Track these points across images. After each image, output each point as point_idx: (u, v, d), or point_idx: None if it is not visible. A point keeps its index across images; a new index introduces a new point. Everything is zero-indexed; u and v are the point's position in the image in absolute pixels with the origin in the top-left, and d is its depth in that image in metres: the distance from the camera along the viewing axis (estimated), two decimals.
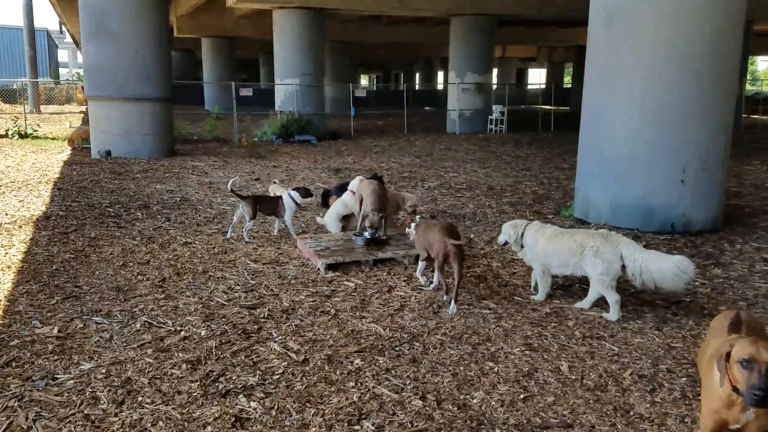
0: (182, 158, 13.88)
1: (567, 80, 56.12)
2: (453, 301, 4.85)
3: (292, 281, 5.65)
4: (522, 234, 5.19)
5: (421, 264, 5.51)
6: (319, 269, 5.95)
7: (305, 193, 7.23)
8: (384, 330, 4.48)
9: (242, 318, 4.72)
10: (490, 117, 21.53)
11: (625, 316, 4.76)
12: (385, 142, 18.35)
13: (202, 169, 12.40)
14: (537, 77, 66.84)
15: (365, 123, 25.15)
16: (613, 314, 4.66)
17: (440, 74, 55.29)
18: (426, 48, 43.15)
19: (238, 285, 5.50)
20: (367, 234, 6.31)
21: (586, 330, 4.47)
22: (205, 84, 33.47)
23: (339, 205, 7.38)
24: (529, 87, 54.70)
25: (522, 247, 5.22)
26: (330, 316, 4.77)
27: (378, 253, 6.18)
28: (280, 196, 7.14)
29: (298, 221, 8.02)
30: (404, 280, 5.68)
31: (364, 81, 73.54)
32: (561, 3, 20.55)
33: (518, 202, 9.49)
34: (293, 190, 7.19)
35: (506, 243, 5.36)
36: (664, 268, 4.35)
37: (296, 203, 7.05)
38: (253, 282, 5.60)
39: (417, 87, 52.69)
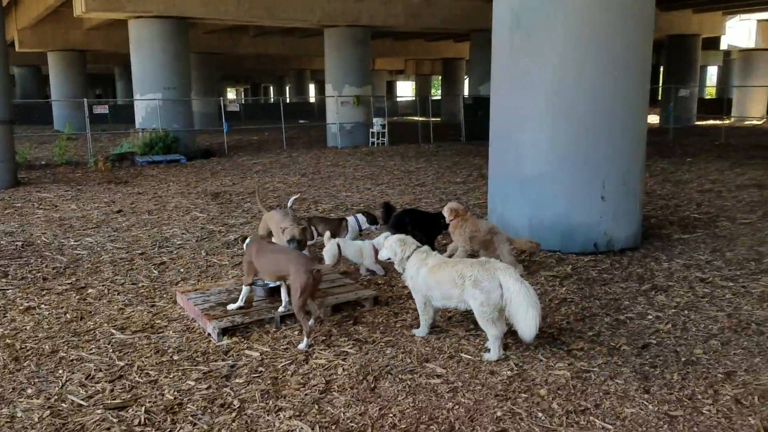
0: (26, 189, 11.74)
1: (433, 92, 57.59)
2: (306, 338, 4.43)
3: (175, 357, 4.34)
4: (408, 257, 4.60)
5: (245, 290, 4.89)
6: (209, 335, 4.67)
7: (371, 219, 6.92)
8: (312, 430, 3.34)
9: (108, 429, 3.37)
10: (371, 130, 20.83)
11: (596, 371, 3.98)
12: (265, 159, 16.98)
13: (50, 202, 10.42)
14: (405, 89, 67.96)
15: (239, 138, 23.50)
16: (493, 353, 4.19)
17: (312, 87, 54.34)
18: (297, 60, 42.08)
19: (100, 370, 4.10)
20: (269, 282, 5.11)
21: (564, 400, 3.62)
22: (54, 102, 29.98)
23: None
24: (399, 99, 55.29)
25: (404, 270, 4.66)
26: (233, 413, 3.54)
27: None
28: (344, 218, 6.89)
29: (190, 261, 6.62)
30: (322, 340, 4.56)
31: (231, 94, 70.81)
32: (429, 15, 20.62)
33: None
34: (360, 213, 6.95)
35: (389, 259, 4.75)
36: (519, 313, 4.02)
37: (360, 228, 6.77)
38: (121, 363, 4.22)
39: (289, 99, 51.34)
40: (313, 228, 6.78)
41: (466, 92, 31.77)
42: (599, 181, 6.70)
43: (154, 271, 6.45)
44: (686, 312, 5.03)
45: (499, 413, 3.47)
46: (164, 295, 5.69)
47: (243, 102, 48.84)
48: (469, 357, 4.23)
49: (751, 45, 31.57)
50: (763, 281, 5.78)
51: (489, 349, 4.25)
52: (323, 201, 10.43)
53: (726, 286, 5.68)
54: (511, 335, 4.35)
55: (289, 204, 7.06)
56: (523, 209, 6.95)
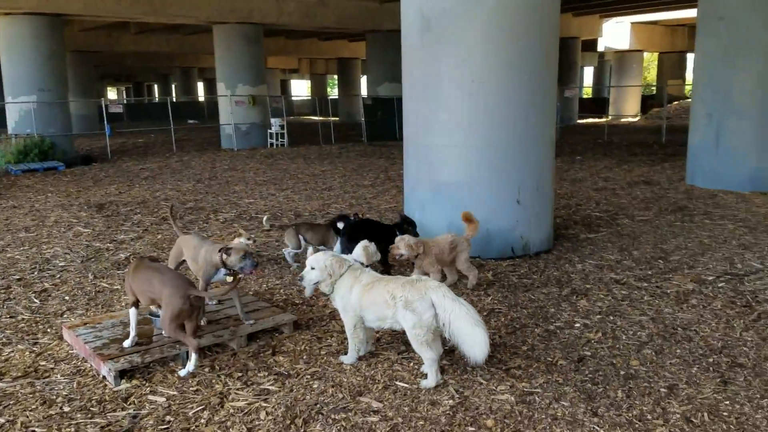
0: None
1: (329, 91, 57.14)
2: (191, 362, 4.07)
3: (66, 408, 3.69)
4: (342, 275, 4.22)
5: (132, 313, 4.31)
6: (104, 378, 4.04)
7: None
8: None
9: None
10: (269, 131, 20.09)
11: (539, 392, 3.78)
12: (153, 163, 15.85)
13: None
14: (300, 89, 67.01)
15: (123, 142, 21.91)
16: (430, 379, 3.89)
17: (200, 85, 52.11)
18: (183, 57, 40.07)
19: None
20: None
21: (512, 430, 3.37)
22: None
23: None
24: (295, 98, 54.38)
25: (332, 291, 4.26)
26: None
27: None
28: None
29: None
30: (238, 377, 4.07)
31: (112, 94, 66.55)
32: (323, 15, 20.28)
33: None
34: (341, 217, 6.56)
35: (317, 283, 4.29)
36: (463, 335, 3.74)
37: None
38: (1, 420, 3.52)
39: (176, 99, 48.96)
40: (300, 236, 6.51)
41: (364, 92, 31.59)
42: (515, 186, 6.62)
43: (35, 301, 5.62)
44: (611, 318, 4.99)
45: None
46: (48, 330, 4.94)
47: (126, 102, 45.97)
48: (406, 386, 3.90)
49: (626, 46, 33.75)
50: (675, 281, 5.91)
51: (425, 375, 3.95)
52: (223, 209, 9.75)
53: (641, 287, 5.74)
54: (446, 354, 4.08)
55: (264, 223, 7.07)
56: (441, 216, 6.74)
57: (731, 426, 3.31)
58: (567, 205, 9.75)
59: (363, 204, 10.08)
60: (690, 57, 42.41)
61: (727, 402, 3.54)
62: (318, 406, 3.66)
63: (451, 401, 3.69)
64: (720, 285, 5.76)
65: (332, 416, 3.53)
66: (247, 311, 4.87)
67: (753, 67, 10.16)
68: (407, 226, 6.27)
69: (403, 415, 3.54)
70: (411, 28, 6.80)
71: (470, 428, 3.39)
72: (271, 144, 19.98)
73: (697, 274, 6.09)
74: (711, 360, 4.13)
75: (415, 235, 6.03)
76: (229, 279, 4.61)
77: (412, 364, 4.20)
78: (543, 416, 3.49)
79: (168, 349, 4.27)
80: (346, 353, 4.34)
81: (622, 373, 3.99)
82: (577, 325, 4.86)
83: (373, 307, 4.11)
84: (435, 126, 6.66)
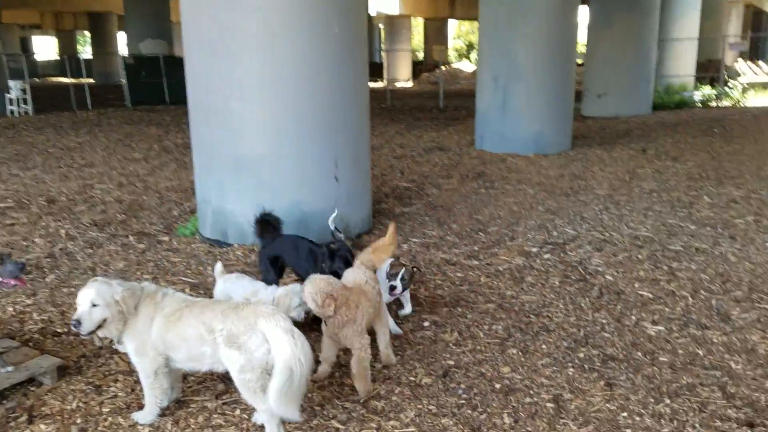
0: None
1: (80, 49, 50.48)
2: None
3: None
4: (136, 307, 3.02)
5: None
6: None
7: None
8: None
9: None
10: (8, 96, 16.46)
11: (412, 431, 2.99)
12: None
13: None
14: (44, 47, 58.01)
15: None
16: None
17: None
18: None
19: None
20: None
21: None
22: None
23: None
24: (38, 58, 46.83)
25: (120, 333, 3.02)
26: None
27: None
28: None
29: None
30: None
31: None
32: None
33: (104, 220, 6.62)
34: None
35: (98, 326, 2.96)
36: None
37: None
38: None
39: None
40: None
41: (123, 50, 27.96)
42: (331, 161, 5.71)
43: None
44: (459, 310, 4.40)
45: None
46: None
47: None
48: None
49: (396, 12, 34.58)
50: (502, 255, 5.58)
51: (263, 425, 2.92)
52: None
53: (473, 266, 5.30)
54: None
55: (330, 224, 4.69)
56: (245, 199, 5.59)
57: None
58: (374, 176, 9.15)
59: (137, 183, 8.38)
60: (452, 23, 45.24)
61: (625, 414, 3.11)
62: None
63: None
64: (546, 257, 5.55)
65: None
66: None
67: (535, 32, 10.45)
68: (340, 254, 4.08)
69: None
70: None
71: None
72: (12, 112, 16.44)
73: (520, 246, 5.84)
74: (582, 355, 3.72)
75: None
76: None
77: (238, 412, 3.13)
78: None
79: None
80: (141, 409, 3.11)
81: (497, 386, 3.36)
82: (426, 323, 4.18)
83: (183, 345, 2.95)
84: (233, 89, 5.42)
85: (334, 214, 4.31)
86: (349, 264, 3.81)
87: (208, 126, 5.71)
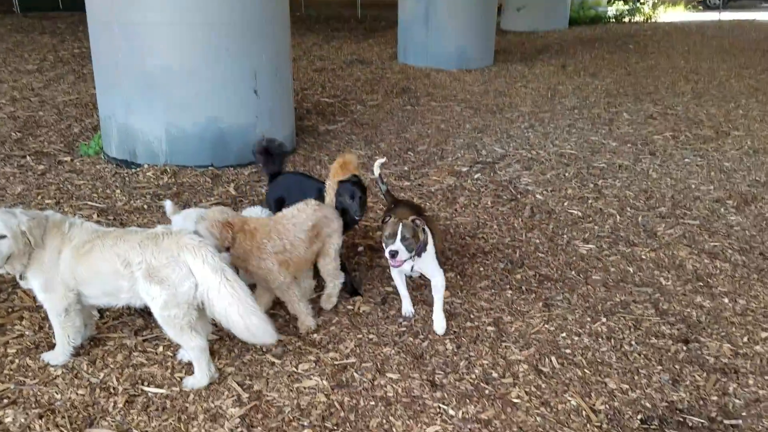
0: None
1: None
2: None
3: None
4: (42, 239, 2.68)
5: None
6: None
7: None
8: None
9: None
10: None
11: (351, 363, 2.85)
12: None
13: None
14: None
15: None
16: (199, 376, 2.67)
17: None
18: None
19: None
20: None
21: None
22: None
23: None
24: None
25: (26, 268, 2.69)
26: None
27: None
28: None
29: None
30: None
31: None
32: None
33: None
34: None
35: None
36: (234, 324, 2.55)
37: None
38: None
39: None
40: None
41: None
42: (250, 72, 5.25)
43: None
44: None
45: None
46: None
47: None
48: (160, 391, 2.61)
49: None
50: (433, 175, 5.44)
51: (192, 370, 2.70)
52: None
53: (405, 187, 5.15)
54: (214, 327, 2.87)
55: (376, 170, 3.57)
56: (156, 115, 5.08)
57: (584, 369, 2.86)
58: (294, 90, 8.66)
59: (32, 98, 7.51)
60: None
61: (564, 335, 3.11)
62: None
63: (238, 408, 2.54)
64: (477, 176, 5.46)
65: None
66: None
67: None
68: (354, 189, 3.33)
69: None
70: None
71: None
72: None
73: (450, 166, 5.71)
74: (519, 277, 3.68)
75: (361, 207, 3.29)
76: None
77: (161, 349, 2.89)
78: (372, 403, 2.59)
79: None
80: (52, 348, 2.81)
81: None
82: (361, 248, 4.01)
83: (96, 280, 2.63)
84: None
85: (381, 160, 3.41)
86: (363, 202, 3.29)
87: (110, 37, 5.05)
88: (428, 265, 3.03)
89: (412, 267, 3.02)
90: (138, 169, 5.20)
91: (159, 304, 2.56)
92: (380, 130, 6.87)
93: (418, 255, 2.94)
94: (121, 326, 3.07)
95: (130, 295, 2.66)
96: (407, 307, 3.22)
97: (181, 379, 2.69)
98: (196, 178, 5.11)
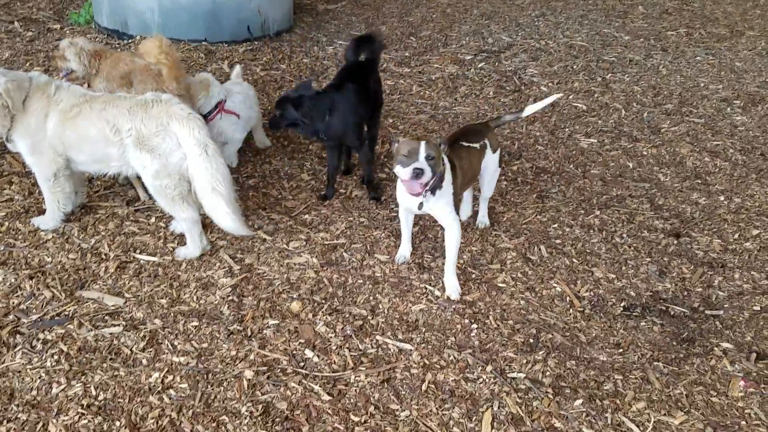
0: None
1: None
2: None
3: None
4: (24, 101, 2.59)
5: None
6: None
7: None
8: None
9: None
10: None
11: (341, 243, 2.86)
12: None
13: None
14: None
15: None
16: (191, 247, 2.67)
17: None
18: None
19: None
20: None
21: (327, 310, 2.44)
22: None
23: None
24: None
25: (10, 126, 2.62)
26: None
27: None
28: None
29: None
30: None
31: None
32: None
33: None
34: None
35: None
36: (204, 199, 2.53)
37: None
38: None
39: None
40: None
41: None
42: None
43: None
44: (390, 120, 4.15)
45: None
46: None
47: None
48: (153, 259, 2.64)
49: None
50: (435, 63, 5.24)
51: (185, 241, 2.70)
52: None
53: (404, 74, 4.97)
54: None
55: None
56: None
57: (573, 259, 2.87)
58: None
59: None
60: None
61: (555, 225, 3.10)
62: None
63: (229, 278, 2.57)
64: (480, 65, 5.26)
65: (38, 334, 2.16)
66: None
67: None
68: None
69: (161, 315, 2.34)
70: None
71: (271, 321, 2.37)
72: None
73: (453, 53, 5.49)
74: (515, 168, 3.63)
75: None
76: None
77: (154, 220, 2.88)
78: (360, 281, 2.62)
79: None
80: (42, 214, 2.80)
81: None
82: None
83: (84, 146, 2.57)
84: None
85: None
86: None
87: None
88: (442, 208, 2.52)
89: (421, 204, 2.49)
90: (130, 41, 5.00)
91: (150, 173, 2.52)
92: (382, 12, 6.55)
93: (432, 192, 2.45)
94: (113, 196, 3.05)
95: (120, 163, 2.62)
96: (404, 251, 2.77)
97: (174, 249, 2.70)
98: (190, 53, 4.91)
